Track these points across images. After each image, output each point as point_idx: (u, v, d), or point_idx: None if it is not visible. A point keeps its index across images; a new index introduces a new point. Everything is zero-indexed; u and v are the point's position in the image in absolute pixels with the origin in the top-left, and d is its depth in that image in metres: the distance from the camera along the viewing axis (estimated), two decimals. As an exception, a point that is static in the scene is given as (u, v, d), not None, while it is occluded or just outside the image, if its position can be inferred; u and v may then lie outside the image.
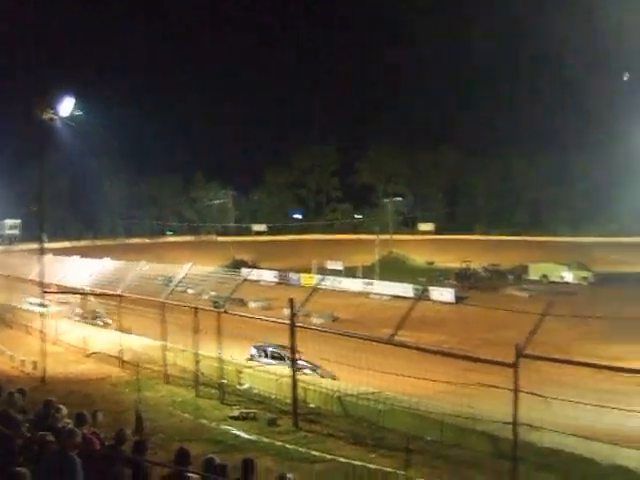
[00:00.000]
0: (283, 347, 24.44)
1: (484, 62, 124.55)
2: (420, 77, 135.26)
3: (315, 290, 18.05)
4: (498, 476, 12.52)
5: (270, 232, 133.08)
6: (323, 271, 74.08)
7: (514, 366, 11.18)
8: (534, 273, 76.61)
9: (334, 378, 21.65)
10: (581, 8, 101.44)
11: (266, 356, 27.14)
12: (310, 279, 68.70)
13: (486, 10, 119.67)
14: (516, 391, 11.13)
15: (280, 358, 25.86)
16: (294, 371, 16.83)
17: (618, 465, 11.96)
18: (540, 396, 11.80)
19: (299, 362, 19.33)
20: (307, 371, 23.16)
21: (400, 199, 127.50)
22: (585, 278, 73.54)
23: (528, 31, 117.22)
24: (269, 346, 27.24)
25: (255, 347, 27.60)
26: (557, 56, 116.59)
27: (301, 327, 16.91)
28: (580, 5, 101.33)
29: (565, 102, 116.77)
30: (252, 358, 26.55)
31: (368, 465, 13.02)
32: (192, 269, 22.86)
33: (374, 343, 15.39)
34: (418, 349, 14.61)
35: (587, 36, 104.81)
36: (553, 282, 72.06)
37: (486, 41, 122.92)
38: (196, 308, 19.77)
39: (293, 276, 76.43)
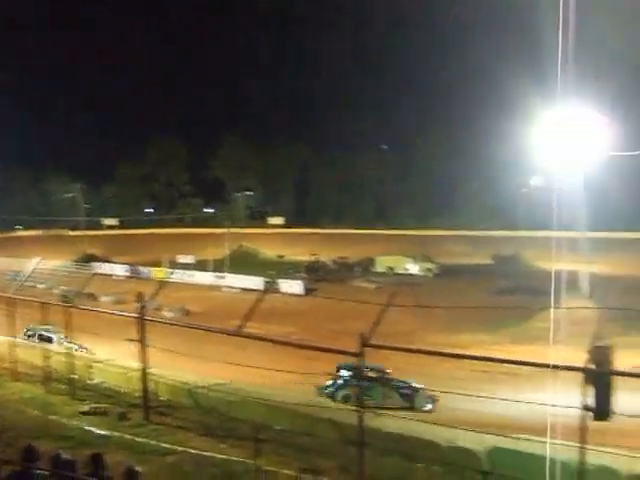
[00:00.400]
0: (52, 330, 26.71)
1: (334, 61, 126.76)
2: (272, 74, 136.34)
3: (164, 284, 18.00)
4: (346, 461, 12.83)
5: (121, 226, 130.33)
6: (174, 265, 73.39)
7: (359, 355, 11.55)
8: (380, 265, 78.32)
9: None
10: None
11: (36, 337, 28.30)
12: (161, 273, 67.98)
13: (330, 11, 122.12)
14: (360, 379, 11.49)
15: (48, 340, 27.00)
16: (144, 365, 16.71)
17: (459, 446, 12.51)
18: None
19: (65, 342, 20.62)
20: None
21: (250, 193, 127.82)
22: (429, 270, 75.86)
23: (375, 32, 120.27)
24: (40, 329, 28.17)
25: (27, 329, 28.87)
26: (398, 55, 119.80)
27: (150, 320, 16.81)
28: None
29: (409, 99, 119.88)
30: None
31: (218, 455, 13.13)
32: (42, 264, 22.28)
33: (225, 335, 15.50)
34: (265, 340, 14.82)
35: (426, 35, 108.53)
36: (399, 274, 73.86)
37: (338, 42, 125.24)
38: (43, 303, 19.31)
39: (144, 270, 75.44)
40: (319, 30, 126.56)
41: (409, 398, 24.17)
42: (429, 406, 23.36)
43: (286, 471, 12.44)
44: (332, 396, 22.79)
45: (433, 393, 22.46)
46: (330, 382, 23.75)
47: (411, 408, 22.72)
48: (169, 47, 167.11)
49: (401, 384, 24.29)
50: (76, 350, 23.36)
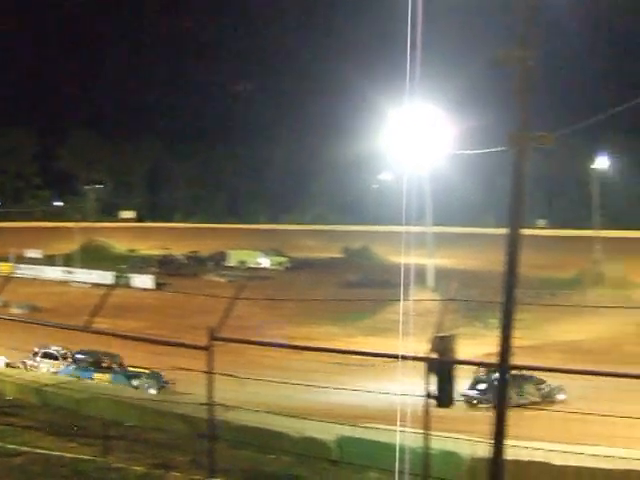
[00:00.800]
0: None
1: (184, 55, 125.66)
2: (123, 66, 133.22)
3: (10, 279, 17.36)
4: (197, 456, 12.85)
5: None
6: (21, 260, 70.80)
7: (208, 349, 11.57)
8: (233, 259, 78.22)
9: None
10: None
11: None
12: (7, 267, 65.34)
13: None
14: (210, 373, 11.52)
15: None
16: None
17: (308, 437, 12.75)
18: (233, 376, 12.32)
19: None
20: None
21: (101, 186, 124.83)
22: (281, 263, 76.40)
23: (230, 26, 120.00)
24: None
25: None
26: (253, 50, 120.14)
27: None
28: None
29: (263, 95, 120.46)
30: None
31: (67, 455, 12.87)
32: None
33: (74, 331, 15.21)
34: (114, 335, 14.63)
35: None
36: (251, 268, 74.02)
37: (189, 36, 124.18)
38: None
39: (-13, 265, 72.27)
40: (169, 23, 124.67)
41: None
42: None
43: (136, 467, 12.34)
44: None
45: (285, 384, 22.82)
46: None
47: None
48: (18, 33, 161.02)
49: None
50: None
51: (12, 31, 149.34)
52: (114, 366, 25.92)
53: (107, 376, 25.34)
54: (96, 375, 24.99)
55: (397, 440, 10.78)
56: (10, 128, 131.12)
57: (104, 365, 26.25)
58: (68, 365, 26.62)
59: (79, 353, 26.41)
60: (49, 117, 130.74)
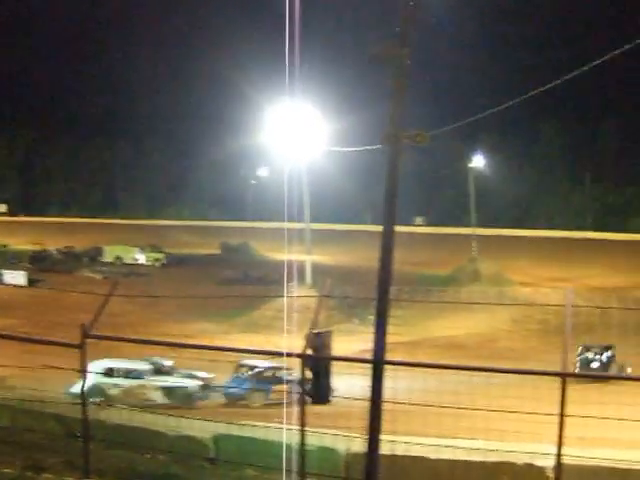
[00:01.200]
0: None
1: (58, 47, 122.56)
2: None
3: None
4: (71, 456, 12.56)
5: None
6: None
7: (80, 347, 11.29)
8: (108, 255, 76.77)
9: None
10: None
11: None
12: None
13: None
14: (84, 372, 11.27)
15: None
16: None
17: (184, 435, 12.65)
18: (107, 375, 12.11)
19: None
20: None
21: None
22: (158, 259, 75.54)
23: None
24: None
25: None
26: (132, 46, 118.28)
27: None
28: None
29: (140, 85, 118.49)
30: None
31: None
32: None
33: None
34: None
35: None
36: (127, 264, 72.90)
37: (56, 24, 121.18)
38: None
39: None
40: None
41: None
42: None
43: (7, 470, 11.95)
44: None
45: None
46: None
47: None
48: None
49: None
50: None
51: None
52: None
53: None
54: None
55: (274, 437, 10.81)
56: None
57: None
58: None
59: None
60: None
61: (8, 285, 54.24)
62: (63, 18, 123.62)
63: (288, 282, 42.21)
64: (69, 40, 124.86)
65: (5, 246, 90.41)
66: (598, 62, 13.80)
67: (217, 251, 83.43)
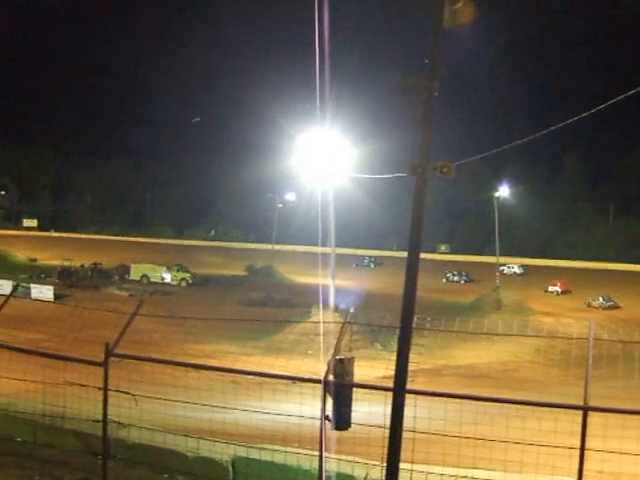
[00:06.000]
0: None
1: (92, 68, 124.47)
2: (29, 77, 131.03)
3: None
4: (89, 473, 12.59)
5: None
6: None
7: (104, 365, 11.38)
8: (135, 273, 77.31)
9: None
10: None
11: None
12: None
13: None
14: (105, 389, 11.31)
15: None
16: None
17: (203, 456, 12.63)
18: (128, 394, 12.12)
19: None
20: None
21: (4, 193, 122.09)
22: (184, 279, 75.85)
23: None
24: None
25: None
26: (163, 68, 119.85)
27: None
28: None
29: (168, 111, 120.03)
30: None
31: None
32: None
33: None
34: (4, 347, 14.17)
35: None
36: (153, 282, 73.28)
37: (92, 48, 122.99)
38: None
39: None
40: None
41: None
42: None
43: (27, 484, 12.03)
44: None
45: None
46: None
47: None
48: None
49: None
50: None
51: None
52: None
53: None
54: None
55: (292, 461, 10.78)
56: None
57: None
58: None
59: None
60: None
61: (35, 299, 54.57)
62: (100, 44, 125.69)
63: (311, 306, 42.43)
64: (103, 65, 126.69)
65: (34, 260, 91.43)
66: (622, 97, 13.78)
67: (242, 272, 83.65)
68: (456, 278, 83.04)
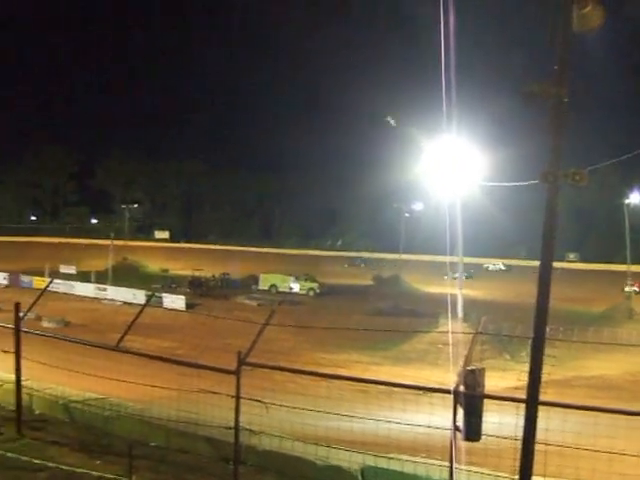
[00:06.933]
0: None
1: (223, 81, 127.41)
2: (163, 89, 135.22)
3: (44, 293, 17.47)
4: (221, 479, 12.83)
5: (1, 232, 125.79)
6: (56, 275, 71.53)
7: (236, 373, 11.62)
8: (264, 283, 78.46)
9: None
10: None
11: None
12: (43, 282, 66.07)
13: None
14: (237, 397, 11.55)
15: None
16: (19, 376, 16.25)
17: (332, 465, 12.68)
18: (260, 402, 12.31)
19: None
20: None
21: (137, 206, 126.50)
22: (312, 289, 76.47)
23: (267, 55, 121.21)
24: None
25: None
26: (292, 81, 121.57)
27: (26, 332, 16.37)
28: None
29: (296, 122, 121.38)
30: None
31: (92, 472, 12.89)
32: None
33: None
34: (140, 355, 14.63)
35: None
36: (281, 292, 74.22)
37: (224, 63, 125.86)
38: None
39: (24, 279, 73.46)
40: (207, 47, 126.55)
41: None
42: None
43: (162, 488, 12.35)
44: None
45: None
46: None
47: None
48: (58, 54, 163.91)
49: None
50: None
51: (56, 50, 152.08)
52: None
53: None
54: None
55: (422, 471, 10.72)
56: (49, 146, 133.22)
57: None
58: None
59: None
60: (88, 136, 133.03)
61: (167, 308, 56.20)
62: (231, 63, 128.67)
63: (439, 316, 42.10)
64: (237, 83, 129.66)
65: (166, 271, 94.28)
66: None
67: (369, 282, 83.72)
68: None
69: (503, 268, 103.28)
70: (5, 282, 74.09)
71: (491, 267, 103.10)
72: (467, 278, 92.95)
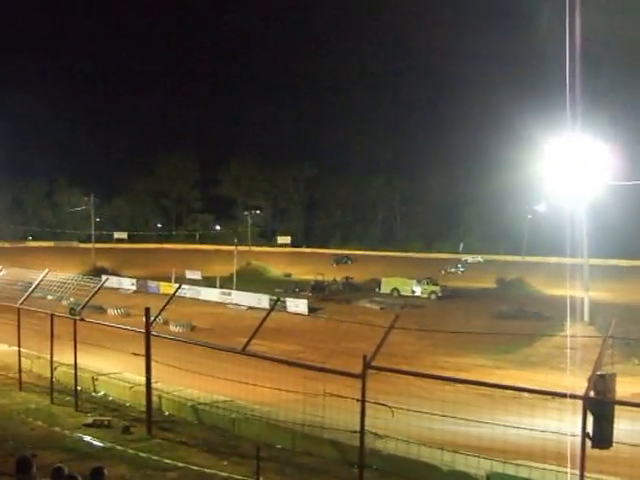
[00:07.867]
0: None
1: (346, 86, 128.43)
2: (281, 95, 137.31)
3: (172, 298, 17.99)
4: (346, 482, 12.88)
5: (131, 240, 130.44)
6: (182, 280, 73.53)
7: (362, 377, 11.66)
8: (386, 287, 78.34)
9: None
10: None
11: None
12: (169, 287, 68.05)
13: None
14: (363, 401, 11.58)
15: None
16: (149, 378, 16.76)
17: (458, 470, 12.54)
18: (385, 406, 12.30)
19: None
20: None
21: (259, 212, 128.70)
22: (434, 292, 75.90)
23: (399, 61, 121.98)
24: None
25: None
26: (411, 87, 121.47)
27: (156, 336, 16.85)
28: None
29: (419, 125, 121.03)
30: None
31: (220, 473, 13.16)
32: (51, 275, 22.15)
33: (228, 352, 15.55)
34: (265, 358, 14.85)
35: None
36: (404, 296, 73.96)
37: (348, 66, 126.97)
38: (52, 314, 19.28)
39: (152, 284, 75.91)
40: (324, 51, 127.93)
41: None
42: None
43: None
44: None
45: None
46: None
47: None
48: (174, 62, 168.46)
49: None
50: None
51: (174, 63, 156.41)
52: None
53: None
54: None
55: (550, 479, 10.50)
56: (173, 155, 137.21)
57: None
58: None
59: None
60: (210, 145, 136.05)
61: (290, 313, 56.81)
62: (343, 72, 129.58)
63: (564, 319, 41.05)
64: (346, 91, 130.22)
65: (289, 275, 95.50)
66: None
67: (492, 285, 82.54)
68: None
69: (481, 261, 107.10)
70: (133, 287, 76.65)
71: (470, 260, 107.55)
72: (453, 273, 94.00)
